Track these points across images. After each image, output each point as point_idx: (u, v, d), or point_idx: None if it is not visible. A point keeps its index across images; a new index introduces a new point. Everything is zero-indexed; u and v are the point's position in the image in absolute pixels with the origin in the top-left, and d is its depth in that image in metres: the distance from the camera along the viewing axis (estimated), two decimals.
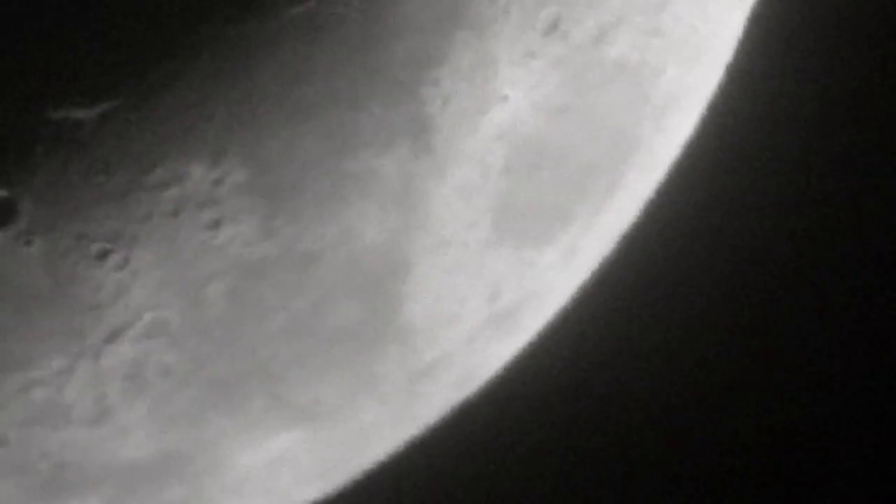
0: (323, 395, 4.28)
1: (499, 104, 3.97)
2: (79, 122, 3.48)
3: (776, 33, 5.52)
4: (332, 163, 3.78)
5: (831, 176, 7.78)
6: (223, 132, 3.64)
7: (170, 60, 3.54)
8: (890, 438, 8.68)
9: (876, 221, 8.40)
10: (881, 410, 8.67)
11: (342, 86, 3.72)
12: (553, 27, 4.01)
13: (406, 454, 4.83)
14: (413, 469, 4.77)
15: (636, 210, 4.88)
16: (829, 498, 8.60)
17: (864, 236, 8.39)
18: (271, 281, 3.89)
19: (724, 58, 4.86)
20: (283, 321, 3.97)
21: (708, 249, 6.72)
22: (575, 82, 4.10)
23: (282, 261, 3.86)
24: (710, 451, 8.21)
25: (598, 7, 4.10)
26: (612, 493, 7.58)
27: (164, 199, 3.67)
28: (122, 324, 3.83)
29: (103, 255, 3.66)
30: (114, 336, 3.82)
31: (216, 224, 3.72)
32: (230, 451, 4.27)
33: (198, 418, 4.12)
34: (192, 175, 3.65)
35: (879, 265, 8.56)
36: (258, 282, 3.86)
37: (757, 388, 8.26)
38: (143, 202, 3.65)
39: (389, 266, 4.04)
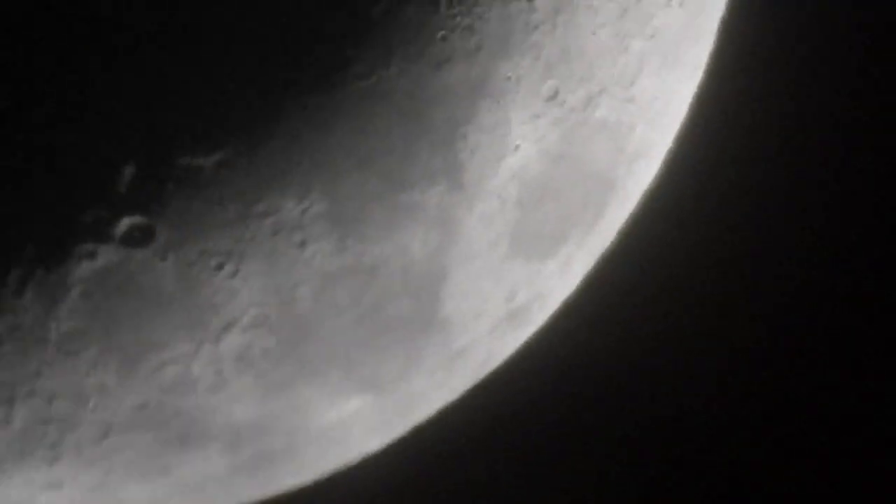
0: (383, 370, 4.33)
1: (512, 153, 4.04)
2: (200, 167, 3.56)
3: (722, 98, 5.10)
4: (389, 197, 3.86)
5: (769, 202, 7.09)
6: (308, 175, 3.74)
7: (268, 121, 3.61)
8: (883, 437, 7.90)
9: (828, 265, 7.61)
10: (876, 408, 7.84)
11: (396, 140, 3.79)
12: (553, 96, 4.07)
13: (444, 415, 4.86)
14: (450, 427, 4.77)
15: (614, 233, 4.88)
16: (828, 498, 7.84)
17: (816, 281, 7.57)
18: (344, 285, 3.96)
19: (679, 118, 4.85)
20: (353, 315, 4.02)
21: (671, 263, 6.42)
22: (569, 136, 4.17)
23: (352, 270, 3.93)
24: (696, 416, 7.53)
25: (587, 80, 4.13)
26: (607, 445, 7.08)
27: (265, 225, 3.75)
28: (234, 318, 3.92)
29: (220, 267, 3.76)
30: (228, 327, 3.92)
31: (303, 243, 3.80)
32: (314, 412, 4.33)
33: (290, 388, 4.17)
34: (285, 207, 3.73)
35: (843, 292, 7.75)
36: (334, 286, 3.94)
37: (718, 363, 7.47)
38: (250, 227, 3.74)
39: (431, 274, 4.12)
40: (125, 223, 3.62)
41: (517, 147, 4.05)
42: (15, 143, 3.52)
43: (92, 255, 3.65)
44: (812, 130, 7.12)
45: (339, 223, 3.84)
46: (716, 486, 7.80)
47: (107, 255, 3.66)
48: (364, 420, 4.57)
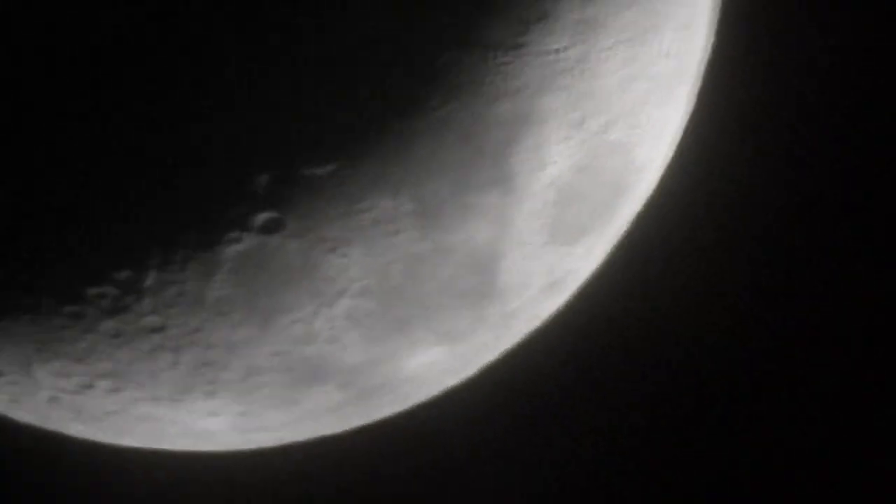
0: (455, 327, 4.47)
1: (550, 166, 4.16)
2: (318, 175, 3.73)
3: (705, 123, 5.03)
4: (459, 198, 4.00)
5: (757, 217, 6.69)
6: (398, 181, 3.88)
7: (367, 141, 3.76)
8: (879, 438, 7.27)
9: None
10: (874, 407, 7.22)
11: (463, 156, 3.93)
12: (580, 123, 4.17)
13: (502, 361, 4.91)
14: (507, 369, 4.81)
15: (625, 226, 4.93)
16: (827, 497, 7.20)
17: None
18: (426, 264, 4.11)
19: (673, 138, 4.90)
20: (433, 286, 4.18)
21: (669, 249, 6.14)
22: (592, 153, 4.29)
23: (432, 253, 4.09)
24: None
25: (604, 112, 4.23)
26: (619, 398, 6.73)
27: (367, 219, 3.90)
28: (344, 288, 4.08)
29: (333, 250, 3.94)
30: (339, 294, 4.08)
31: (396, 232, 3.95)
32: (405, 358, 4.47)
33: (386, 340, 4.32)
34: (382, 205, 3.89)
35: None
36: (419, 265, 4.10)
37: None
38: (355, 220, 3.91)
39: (491, 256, 4.25)
40: (262, 217, 3.82)
41: (553, 162, 4.18)
42: (182, 156, 3.68)
43: (237, 241, 3.85)
44: (782, 143, 6.58)
45: (422, 217, 3.98)
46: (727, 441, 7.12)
47: (248, 240, 3.85)
48: (442, 364, 4.67)
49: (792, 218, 6.78)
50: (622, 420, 6.76)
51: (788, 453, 7.22)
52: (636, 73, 4.29)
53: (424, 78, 3.78)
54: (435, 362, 4.63)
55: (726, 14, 4.98)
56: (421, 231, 4.04)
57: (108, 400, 4.34)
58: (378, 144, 3.83)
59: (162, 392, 4.30)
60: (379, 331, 4.30)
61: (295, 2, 3.72)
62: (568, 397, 6.21)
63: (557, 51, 3.97)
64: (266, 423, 4.62)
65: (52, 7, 3.76)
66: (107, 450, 4.81)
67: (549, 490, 6.84)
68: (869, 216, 6.98)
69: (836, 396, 7.28)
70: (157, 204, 3.76)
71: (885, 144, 6.90)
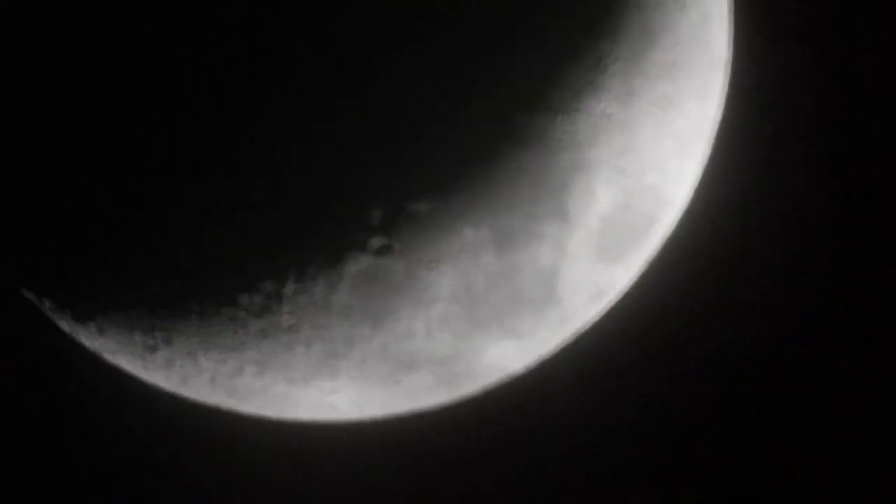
0: (522, 327, 4.43)
1: (597, 203, 4.20)
2: (418, 210, 3.84)
3: (720, 170, 4.86)
4: (527, 228, 4.07)
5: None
6: (479, 215, 3.97)
7: (456, 183, 3.87)
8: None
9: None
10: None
11: (530, 195, 4.00)
12: (622, 170, 4.23)
13: (559, 354, 4.79)
14: (563, 360, 4.67)
15: (656, 248, 4.80)
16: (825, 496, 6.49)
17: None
18: (500, 278, 4.13)
19: (692, 181, 4.83)
20: (506, 295, 4.18)
21: (691, 266, 5.70)
22: (630, 193, 4.34)
23: (505, 270, 4.11)
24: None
25: (640, 161, 4.28)
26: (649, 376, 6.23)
27: (455, 243, 3.97)
28: (437, 295, 4.13)
29: (430, 268, 4.02)
30: (433, 302, 4.13)
31: (477, 253, 4.00)
32: (483, 350, 4.42)
33: (469, 336, 4.31)
34: (466, 233, 3.97)
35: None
36: (495, 279, 4.11)
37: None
38: (446, 244, 3.98)
39: (550, 271, 4.24)
40: (375, 242, 3.92)
41: (600, 200, 4.23)
42: (316, 195, 3.81)
43: (357, 261, 3.96)
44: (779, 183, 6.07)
45: (497, 243, 4.05)
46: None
47: (365, 261, 3.96)
48: (511, 356, 4.61)
49: (791, 234, 6.28)
50: (644, 407, 6.20)
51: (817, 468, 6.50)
52: (664, 131, 4.35)
53: (503, 134, 3.89)
54: (505, 354, 4.60)
55: (734, 87, 4.87)
56: (497, 253, 4.10)
57: (254, 381, 4.40)
58: (465, 187, 3.94)
59: (296, 375, 4.35)
60: (463, 330, 4.32)
61: (408, 87, 3.79)
62: (606, 386, 5.90)
63: (605, 114, 4.07)
64: (375, 399, 4.59)
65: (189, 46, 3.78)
66: (252, 420, 4.78)
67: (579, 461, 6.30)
68: (870, 235, 6.39)
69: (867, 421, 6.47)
70: (295, 232, 3.90)
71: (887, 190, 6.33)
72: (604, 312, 4.78)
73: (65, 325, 4.53)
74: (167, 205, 3.92)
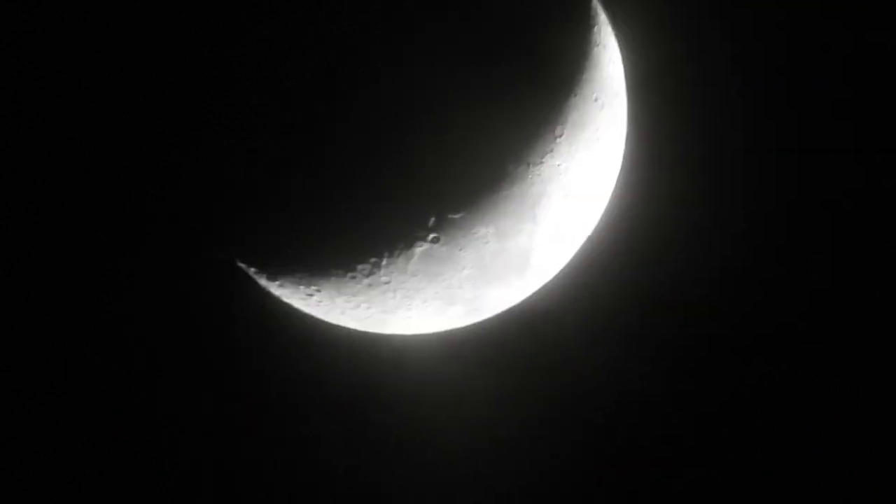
0: (511, 281, 4.30)
1: (555, 212, 4.17)
2: (455, 218, 3.96)
3: (636, 170, 4.61)
4: (514, 227, 4.10)
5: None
6: (489, 220, 4.03)
7: (476, 202, 3.95)
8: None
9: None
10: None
11: (518, 208, 4.06)
12: (567, 193, 4.16)
13: (532, 297, 4.53)
14: (534, 300, 4.46)
15: (591, 231, 4.54)
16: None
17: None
18: (499, 256, 4.16)
19: (616, 183, 4.55)
20: (501, 263, 4.19)
21: (618, 244, 5.01)
22: (572, 207, 4.25)
23: (500, 251, 4.15)
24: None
25: (580, 185, 4.20)
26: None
27: (475, 236, 4.04)
28: (464, 266, 4.14)
29: (461, 249, 4.07)
30: (462, 269, 4.15)
31: (486, 242, 4.08)
32: (491, 294, 4.33)
33: (482, 287, 4.27)
34: (480, 231, 4.04)
35: None
36: (496, 255, 4.15)
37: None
38: (470, 237, 4.03)
39: (527, 250, 4.22)
40: (430, 236, 4.00)
41: (557, 211, 4.18)
42: (399, 208, 3.88)
43: (420, 246, 4.02)
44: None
45: (497, 235, 4.10)
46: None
47: (424, 246, 4.03)
48: (506, 297, 4.46)
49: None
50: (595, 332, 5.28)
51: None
52: (591, 171, 4.27)
53: (501, 176, 3.93)
54: (502, 296, 4.45)
55: (636, 122, 4.59)
56: (497, 241, 4.11)
57: (366, 312, 4.36)
58: (479, 205, 3.97)
59: (388, 308, 4.30)
60: (479, 283, 4.27)
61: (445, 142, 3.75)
62: (563, 318, 5.14)
63: (557, 165, 4.08)
64: (432, 322, 4.47)
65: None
66: (364, 334, 4.60)
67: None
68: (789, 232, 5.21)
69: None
70: (388, 230, 3.95)
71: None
72: (561, 271, 4.59)
73: (262, 281, 4.44)
74: (323, 214, 3.89)
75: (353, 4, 3.59)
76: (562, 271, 4.56)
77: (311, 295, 4.30)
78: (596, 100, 4.15)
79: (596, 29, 4.22)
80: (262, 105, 3.72)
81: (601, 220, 4.57)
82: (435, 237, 3.99)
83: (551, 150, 3.99)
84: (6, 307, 4.87)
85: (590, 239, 4.54)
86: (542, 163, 3.99)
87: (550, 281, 4.56)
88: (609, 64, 4.27)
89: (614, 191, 4.53)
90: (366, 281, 4.12)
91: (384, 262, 4.03)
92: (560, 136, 4.00)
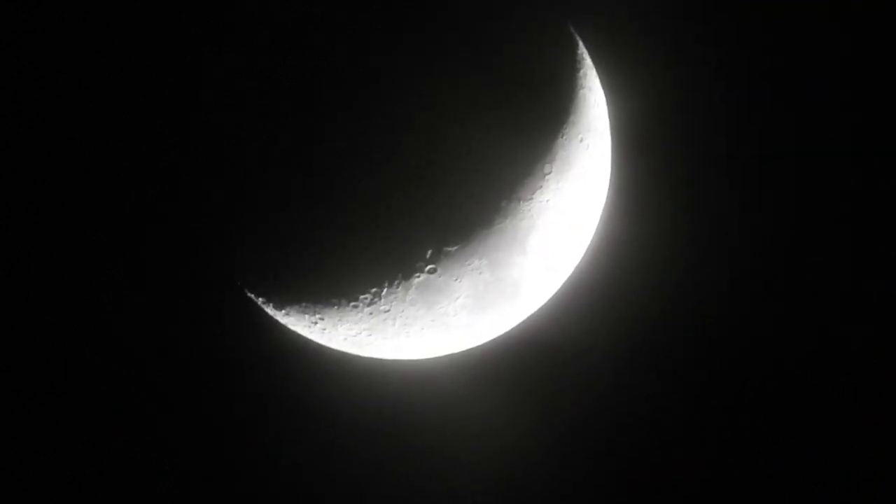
0: (502, 309, 4.30)
1: (545, 246, 4.23)
2: (451, 250, 4.03)
3: (616, 213, 4.67)
4: (506, 259, 4.14)
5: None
6: (482, 252, 4.05)
7: (470, 236, 3.99)
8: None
9: None
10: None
11: (510, 242, 4.10)
12: (559, 221, 4.19)
13: (523, 323, 4.56)
14: (525, 327, 4.47)
15: (579, 261, 4.56)
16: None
17: None
18: (492, 285, 4.19)
19: (601, 216, 4.57)
20: (496, 293, 4.22)
21: (609, 269, 5.04)
22: (560, 239, 4.26)
23: (494, 281, 4.19)
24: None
25: (567, 217, 4.24)
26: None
27: (468, 267, 4.07)
28: (459, 295, 4.13)
29: (457, 279, 4.11)
30: (457, 298, 4.15)
31: (481, 272, 4.10)
32: (485, 321, 4.31)
33: (476, 315, 4.28)
34: (475, 262, 4.09)
35: None
36: (490, 285, 4.19)
37: None
38: (465, 268, 4.06)
39: (518, 281, 4.26)
40: (427, 268, 4.06)
41: (547, 244, 4.24)
42: (400, 246, 3.95)
43: (418, 277, 4.08)
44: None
45: (490, 267, 4.16)
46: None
47: (421, 277, 4.09)
48: (498, 324, 4.50)
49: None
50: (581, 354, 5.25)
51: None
52: (576, 204, 4.33)
53: (494, 211, 4.00)
54: (495, 323, 4.49)
55: (617, 160, 4.62)
56: (491, 272, 4.18)
57: (367, 339, 4.38)
58: (474, 238, 4.04)
59: (389, 335, 4.32)
60: (474, 311, 4.31)
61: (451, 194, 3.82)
62: (554, 341, 5.10)
63: (546, 201, 4.16)
64: (429, 347, 4.48)
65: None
66: (365, 359, 4.62)
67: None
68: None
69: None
70: (388, 263, 4.02)
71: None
72: (550, 299, 4.61)
73: (269, 310, 4.48)
74: (327, 249, 3.95)
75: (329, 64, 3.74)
76: (551, 299, 4.60)
77: (315, 323, 4.35)
78: (581, 140, 4.25)
79: (582, 73, 4.33)
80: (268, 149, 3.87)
81: (588, 251, 4.63)
82: (432, 268, 4.04)
83: (541, 187, 4.08)
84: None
85: (577, 268, 4.59)
86: (531, 198, 4.07)
87: (541, 308, 4.60)
88: (594, 106, 4.39)
89: (599, 223, 4.61)
90: (367, 310, 4.16)
91: (384, 291, 4.09)
92: (548, 173, 4.10)
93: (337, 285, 4.08)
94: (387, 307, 4.16)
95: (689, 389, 5.30)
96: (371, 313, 4.19)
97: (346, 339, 4.43)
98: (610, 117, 4.58)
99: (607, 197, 4.60)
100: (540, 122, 4.02)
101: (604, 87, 4.53)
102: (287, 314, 4.42)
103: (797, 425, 5.18)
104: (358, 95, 3.73)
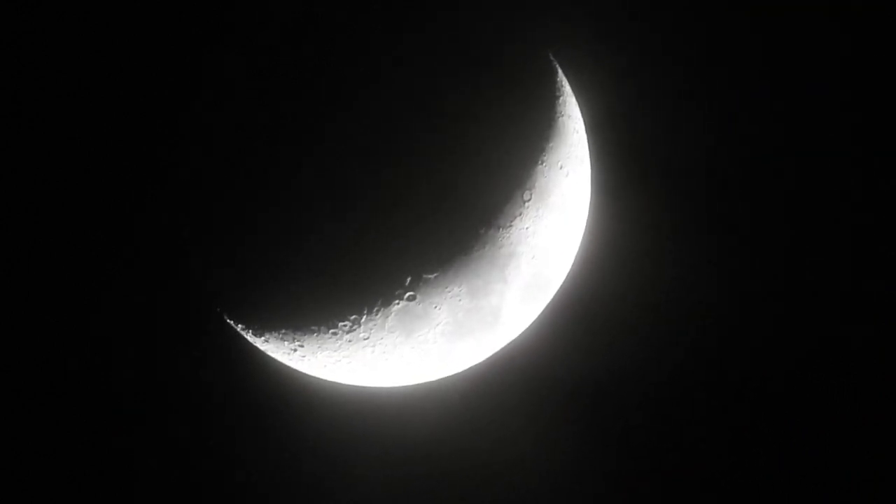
0: (483, 337, 4.32)
1: (523, 274, 4.25)
2: (430, 278, 4.06)
3: (593, 244, 4.65)
4: (485, 287, 4.16)
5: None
6: (460, 280, 4.06)
7: (450, 264, 4.03)
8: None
9: None
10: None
11: (489, 269, 4.14)
12: (534, 255, 4.24)
13: (501, 352, 4.59)
14: (504, 355, 4.51)
15: (556, 291, 4.59)
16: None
17: None
18: (472, 313, 4.18)
19: (578, 250, 4.60)
20: (474, 320, 4.21)
21: (586, 301, 5.01)
22: (541, 267, 4.33)
23: (473, 309, 4.20)
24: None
25: (546, 247, 4.27)
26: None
27: (448, 294, 4.04)
28: (438, 322, 4.18)
29: (436, 307, 4.14)
30: (436, 325, 4.18)
31: (460, 299, 4.07)
32: (463, 348, 4.35)
33: (454, 342, 4.32)
34: (454, 289, 4.10)
35: None
36: (469, 312, 4.14)
37: None
38: (444, 294, 4.08)
39: (497, 309, 4.27)
40: (406, 294, 4.09)
41: (525, 272, 4.28)
42: (377, 274, 3.98)
43: (397, 304, 4.11)
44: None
45: (469, 294, 4.19)
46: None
47: (401, 305, 4.11)
48: (476, 351, 4.51)
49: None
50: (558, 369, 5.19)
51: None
52: (556, 233, 4.40)
53: (474, 238, 4.05)
54: (473, 350, 4.49)
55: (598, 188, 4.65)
56: (470, 299, 4.21)
57: (347, 366, 4.41)
58: (453, 265, 4.07)
59: (367, 363, 4.35)
60: (453, 338, 4.35)
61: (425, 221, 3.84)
62: (534, 366, 5.08)
63: (525, 228, 4.20)
64: (408, 374, 4.50)
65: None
66: (344, 386, 4.63)
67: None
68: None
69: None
70: (367, 290, 4.04)
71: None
72: (528, 327, 4.67)
73: (248, 337, 4.50)
74: (307, 277, 3.96)
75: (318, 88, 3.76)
76: (531, 325, 4.64)
77: (294, 350, 4.38)
78: (561, 167, 4.30)
79: (561, 100, 4.38)
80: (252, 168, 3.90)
81: (568, 277, 4.66)
82: (411, 295, 4.07)
83: (520, 214, 4.12)
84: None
85: (558, 294, 4.62)
86: (511, 226, 4.12)
87: (520, 335, 4.64)
88: (573, 133, 4.45)
89: (579, 249, 4.64)
90: (346, 337, 4.20)
91: (364, 318, 4.12)
92: (528, 200, 4.14)
93: (316, 312, 4.10)
94: (366, 334, 4.19)
95: (687, 393, 5.29)
96: (350, 340, 4.22)
97: (325, 366, 4.45)
98: (589, 144, 4.62)
99: (587, 223, 4.65)
100: (519, 150, 4.05)
101: (583, 115, 4.58)
102: (266, 341, 4.44)
103: (797, 425, 5.15)
104: (358, 95, 3.77)
